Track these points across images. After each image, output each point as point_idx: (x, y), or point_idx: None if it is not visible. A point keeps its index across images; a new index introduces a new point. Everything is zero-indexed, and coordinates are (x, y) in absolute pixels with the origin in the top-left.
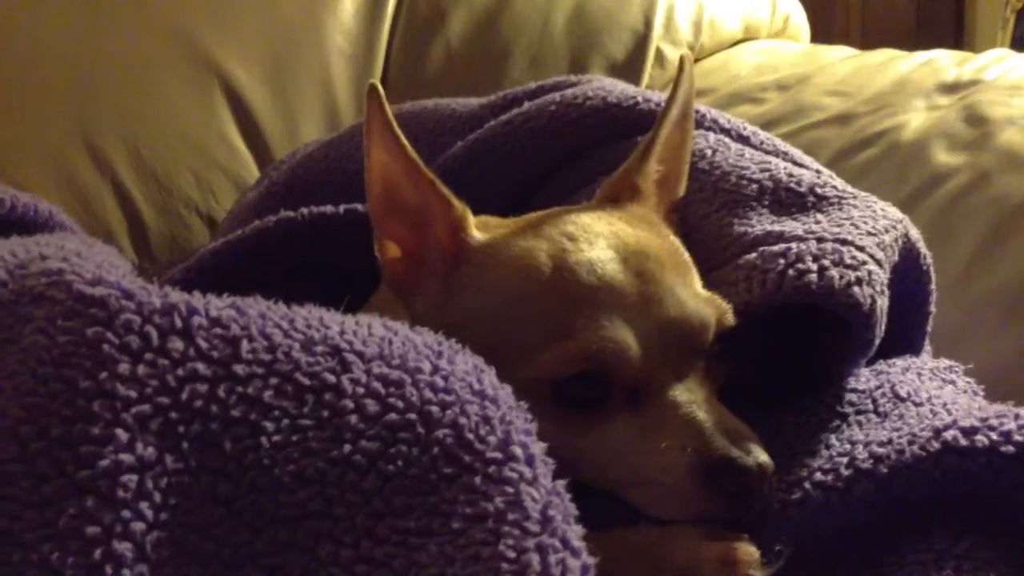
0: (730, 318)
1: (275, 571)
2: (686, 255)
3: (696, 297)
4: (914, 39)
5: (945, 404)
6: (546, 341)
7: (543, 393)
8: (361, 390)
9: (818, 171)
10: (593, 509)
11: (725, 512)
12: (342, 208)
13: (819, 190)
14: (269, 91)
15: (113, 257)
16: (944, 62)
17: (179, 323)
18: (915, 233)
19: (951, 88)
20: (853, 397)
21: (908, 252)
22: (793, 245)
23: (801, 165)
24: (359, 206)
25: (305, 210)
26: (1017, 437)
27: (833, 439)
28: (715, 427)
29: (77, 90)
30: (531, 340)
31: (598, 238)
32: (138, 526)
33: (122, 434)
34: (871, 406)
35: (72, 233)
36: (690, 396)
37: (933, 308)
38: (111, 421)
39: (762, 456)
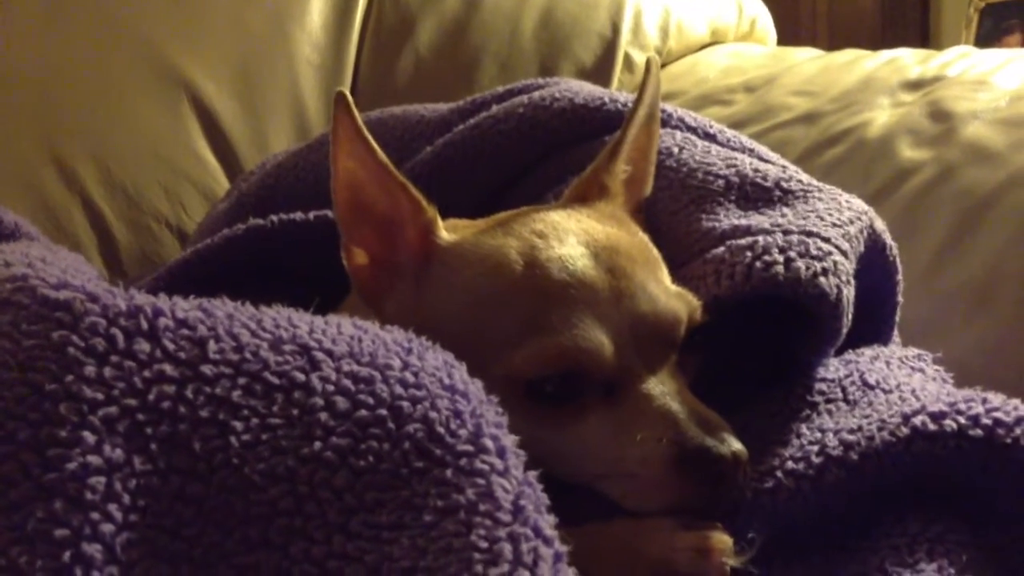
0: (700, 314)
1: (247, 570)
2: (655, 251)
3: (667, 292)
4: (880, 40)
5: (914, 391)
6: (519, 338)
7: (517, 390)
8: (331, 387)
9: (784, 166)
10: (568, 505)
11: (701, 501)
12: (312, 215)
13: (784, 184)
14: (238, 103)
15: (79, 263)
16: (908, 60)
17: (145, 325)
18: (880, 224)
19: (915, 85)
20: (823, 386)
21: (874, 243)
22: (760, 238)
23: (767, 161)
24: (329, 213)
25: (275, 217)
26: (985, 421)
27: (804, 428)
28: (689, 417)
29: (44, 105)
30: (504, 338)
31: (568, 235)
32: (107, 528)
33: (89, 436)
34: (840, 394)
35: (38, 242)
36: (663, 388)
37: (900, 298)
38: (78, 424)
39: (736, 444)
